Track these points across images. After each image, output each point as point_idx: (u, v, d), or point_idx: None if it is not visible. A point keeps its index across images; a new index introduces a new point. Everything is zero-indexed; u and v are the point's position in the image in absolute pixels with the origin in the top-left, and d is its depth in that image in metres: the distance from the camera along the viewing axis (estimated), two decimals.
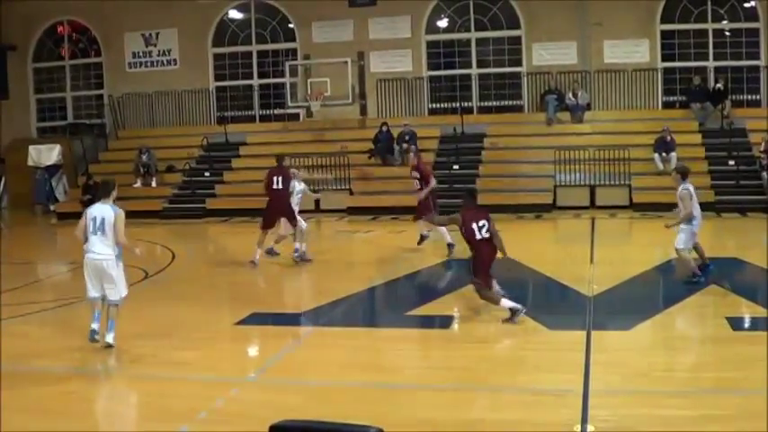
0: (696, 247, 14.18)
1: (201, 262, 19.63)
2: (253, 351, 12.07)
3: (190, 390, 9.63)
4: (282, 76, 30.63)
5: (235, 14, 31.93)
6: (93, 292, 10.99)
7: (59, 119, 33.98)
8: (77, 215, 13.02)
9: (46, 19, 33.24)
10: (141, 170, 28.74)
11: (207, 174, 28.69)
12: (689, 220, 13.83)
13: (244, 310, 13.20)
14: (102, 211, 10.79)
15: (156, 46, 32.47)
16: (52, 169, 30.38)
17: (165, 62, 32.42)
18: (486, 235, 12.05)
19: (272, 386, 9.72)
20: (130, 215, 16.57)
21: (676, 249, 14.01)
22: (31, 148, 30.63)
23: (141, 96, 31.80)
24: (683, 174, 14.02)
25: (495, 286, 12.27)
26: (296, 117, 31.17)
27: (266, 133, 30.12)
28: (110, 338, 10.92)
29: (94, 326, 10.85)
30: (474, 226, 12.04)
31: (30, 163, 30.29)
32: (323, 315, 13.03)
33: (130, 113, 32.24)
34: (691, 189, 13.87)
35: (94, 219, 10.77)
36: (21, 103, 33.60)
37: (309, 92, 29.09)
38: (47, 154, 30.44)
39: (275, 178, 16.86)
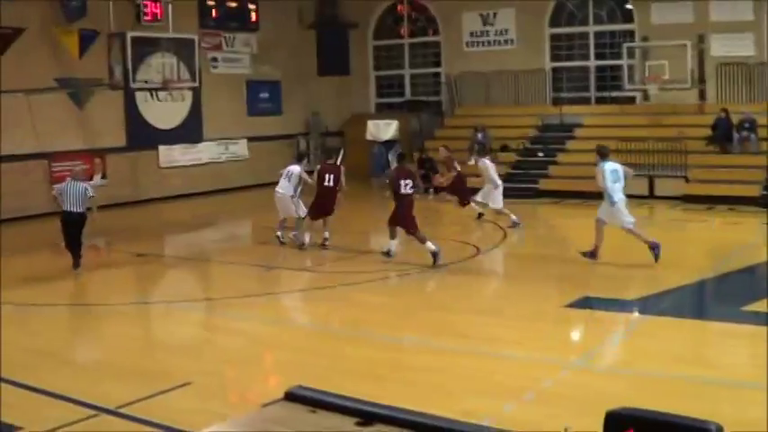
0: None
1: (532, 242, 19.66)
2: (581, 335, 12.06)
3: (516, 368, 9.79)
4: (619, 57, 30.06)
5: None
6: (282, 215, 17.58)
7: (396, 95, 35.15)
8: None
9: None
10: (476, 148, 29.14)
11: (540, 154, 28.70)
12: (609, 197, 14.81)
13: (573, 292, 13.21)
14: (293, 169, 17.54)
15: (493, 25, 32.77)
16: (389, 144, 31.47)
17: (501, 42, 32.62)
18: (410, 191, 15.64)
19: (598, 372, 9.71)
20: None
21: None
22: (369, 122, 31.90)
23: (477, 75, 32.21)
24: (600, 153, 15.36)
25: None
26: (632, 100, 30.53)
27: (601, 116, 29.66)
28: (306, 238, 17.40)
29: (279, 233, 17.76)
30: (401, 182, 15.62)
31: (368, 137, 31.58)
32: (653, 304, 12.74)
33: (466, 92, 32.78)
34: (605, 168, 14.86)
35: (285, 172, 17.52)
36: (361, 79, 35.02)
37: (647, 75, 28.39)
38: (384, 129, 31.62)
39: (327, 175, 17.28)
